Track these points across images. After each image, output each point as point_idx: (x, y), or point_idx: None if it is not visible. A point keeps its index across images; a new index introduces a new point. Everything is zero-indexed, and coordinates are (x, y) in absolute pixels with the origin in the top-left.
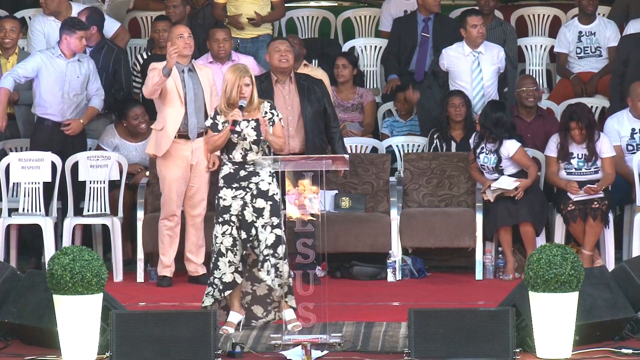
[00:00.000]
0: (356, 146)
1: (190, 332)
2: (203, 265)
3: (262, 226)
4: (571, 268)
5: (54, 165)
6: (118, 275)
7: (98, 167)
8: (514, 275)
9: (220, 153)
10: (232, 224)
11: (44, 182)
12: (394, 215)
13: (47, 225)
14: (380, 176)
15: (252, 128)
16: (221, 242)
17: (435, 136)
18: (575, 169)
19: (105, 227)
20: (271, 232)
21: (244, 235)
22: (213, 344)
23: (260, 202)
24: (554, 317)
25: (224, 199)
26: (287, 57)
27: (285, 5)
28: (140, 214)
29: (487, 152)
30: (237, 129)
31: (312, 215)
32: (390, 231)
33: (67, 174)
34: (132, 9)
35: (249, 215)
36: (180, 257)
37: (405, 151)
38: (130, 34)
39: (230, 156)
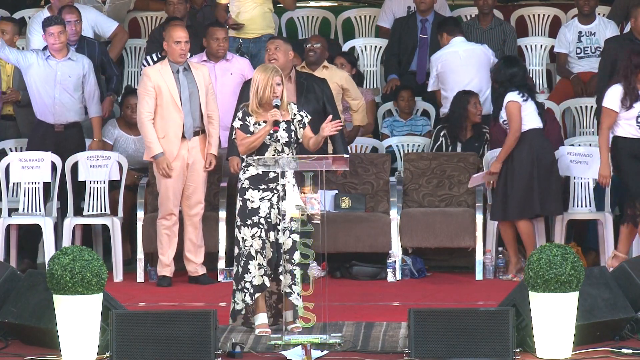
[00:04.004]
0: (356, 146)
1: (190, 332)
2: (202, 265)
3: (282, 230)
4: (571, 268)
5: (54, 165)
6: (118, 275)
7: (98, 167)
8: (514, 275)
9: (248, 155)
10: (261, 226)
11: (43, 182)
12: (394, 215)
13: (46, 225)
14: (380, 176)
15: (283, 130)
16: (251, 245)
17: (441, 134)
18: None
19: (105, 227)
20: (289, 236)
21: (272, 237)
22: (213, 344)
23: (284, 204)
24: (554, 317)
25: (252, 201)
26: (275, 55)
27: None
28: (140, 214)
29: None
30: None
31: (312, 215)
32: (390, 231)
33: (67, 174)
34: (132, 9)
35: (274, 217)
36: (180, 257)
37: (405, 151)
38: (130, 34)
39: (256, 158)
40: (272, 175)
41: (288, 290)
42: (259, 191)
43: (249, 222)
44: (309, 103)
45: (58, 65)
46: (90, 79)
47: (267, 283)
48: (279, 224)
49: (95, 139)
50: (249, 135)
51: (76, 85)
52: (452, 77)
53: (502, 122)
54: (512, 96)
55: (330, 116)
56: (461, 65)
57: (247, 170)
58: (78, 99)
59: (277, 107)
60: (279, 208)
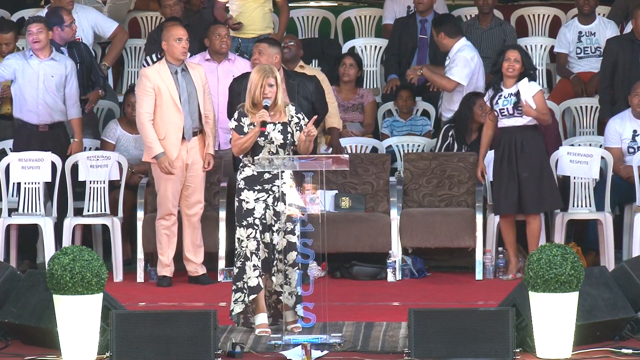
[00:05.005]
0: (356, 146)
1: (190, 332)
2: (202, 265)
3: (277, 230)
4: (571, 268)
5: (54, 165)
6: (118, 275)
7: (98, 167)
8: (514, 275)
9: (244, 155)
10: (255, 227)
11: (44, 182)
12: (394, 215)
13: (46, 225)
14: (380, 176)
15: (278, 131)
16: (246, 246)
17: (449, 133)
18: None
19: (105, 227)
20: (284, 237)
21: (267, 238)
22: (213, 344)
23: (280, 206)
24: (554, 317)
25: (247, 202)
26: (258, 60)
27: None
28: (140, 214)
29: (506, 95)
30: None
31: (311, 215)
32: (390, 231)
33: (67, 174)
34: (132, 9)
35: (269, 218)
36: (179, 257)
37: (405, 151)
38: (130, 34)
39: (255, 159)
40: (267, 176)
41: (279, 289)
42: (254, 192)
43: (244, 222)
44: (300, 104)
45: (41, 65)
46: (72, 81)
47: (262, 284)
48: (274, 225)
49: (76, 140)
50: (242, 136)
51: (59, 85)
52: (479, 79)
53: (502, 109)
54: (538, 86)
55: (312, 119)
56: (482, 69)
57: (243, 170)
58: (61, 99)
59: (266, 107)
60: (274, 209)
